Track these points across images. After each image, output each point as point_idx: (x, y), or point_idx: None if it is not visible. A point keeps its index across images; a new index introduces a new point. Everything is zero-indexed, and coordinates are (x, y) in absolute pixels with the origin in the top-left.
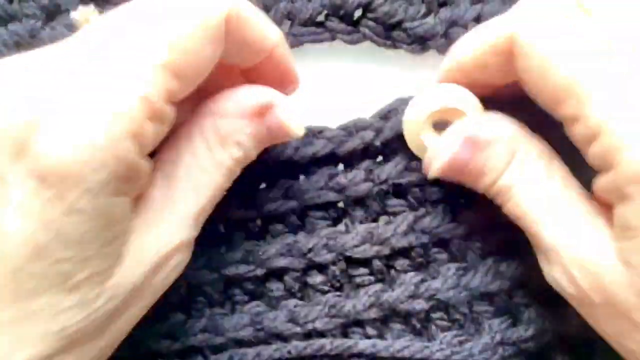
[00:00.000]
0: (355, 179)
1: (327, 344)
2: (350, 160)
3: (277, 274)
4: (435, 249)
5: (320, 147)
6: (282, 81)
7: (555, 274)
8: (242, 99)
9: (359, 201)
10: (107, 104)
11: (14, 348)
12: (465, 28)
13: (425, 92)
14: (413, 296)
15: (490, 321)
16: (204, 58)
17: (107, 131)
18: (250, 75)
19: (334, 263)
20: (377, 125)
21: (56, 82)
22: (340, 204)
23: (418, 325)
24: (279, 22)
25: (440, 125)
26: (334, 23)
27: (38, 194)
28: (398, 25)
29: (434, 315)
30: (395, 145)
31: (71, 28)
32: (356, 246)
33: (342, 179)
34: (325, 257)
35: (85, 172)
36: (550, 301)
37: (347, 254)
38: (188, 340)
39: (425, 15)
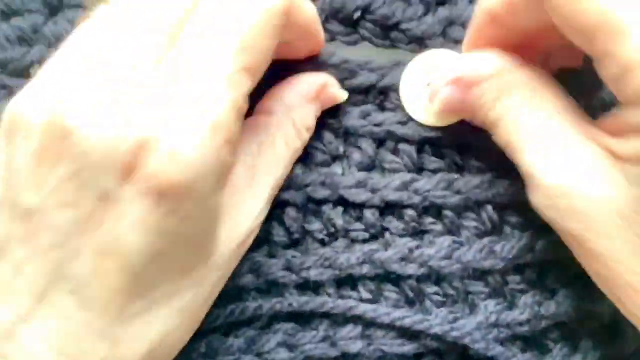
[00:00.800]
0: (351, 114)
1: (329, 302)
2: (352, 99)
3: (278, 214)
4: (429, 219)
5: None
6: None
7: (535, 199)
8: (304, 87)
9: (354, 139)
10: (206, 115)
11: (142, 332)
12: (463, 27)
13: (425, 53)
14: (406, 259)
15: (485, 302)
16: (270, 51)
17: (211, 143)
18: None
19: (328, 201)
20: (384, 70)
21: (153, 98)
22: (340, 148)
23: (411, 294)
24: None
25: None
26: (333, 24)
27: (155, 210)
28: (396, 26)
29: (428, 289)
30: (397, 101)
31: (74, 24)
32: (350, 187)
33: (340, 114)
34: (321, 192)
35: (197, 185)
36: (547, 289)
37: (340, 192)
38: None
39: (423, 15)
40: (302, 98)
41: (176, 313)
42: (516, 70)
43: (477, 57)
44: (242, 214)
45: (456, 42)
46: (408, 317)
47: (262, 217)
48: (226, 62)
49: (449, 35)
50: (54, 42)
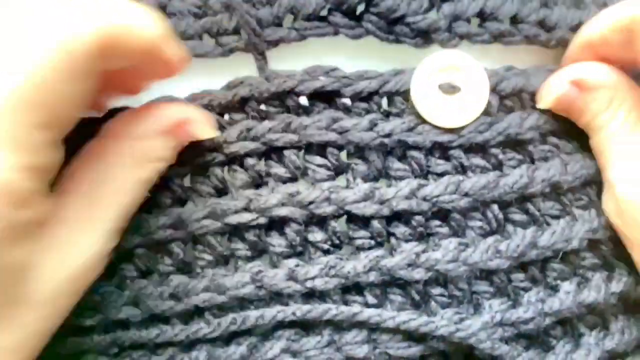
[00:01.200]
0: (359, 126)
1: (333, 309)
2: (355, 110)
3: (279, 226)
4: (436, 222)
5: (326, 83)
6: (167, 69)
7: (607, 206)
8: (153, 119)
9: (361, 152)
10: None
11: None
12: (468, 22)
13: (435, 54)
14: (412, 265)
15: (489, 301)
16: (76, 96)
17: None
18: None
19: (334, 217)
20: (385, 77)
21: None
22: (343, 157)
23: (417, 297)
24: (281, 16)
25: (443, 88)
26: (337, 18)
27: None
28: (401, 19)
29: (434, 291)
30: (402, 106)
31: None
32: (357, 202)
33: (345, 122)
34: (326, 209)
35: None
36: (550, 285)
37: (347, 208)
38: (190, 300)
39: (428, 9)
40: (154, 130)
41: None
42: (628, 89)
43: (599, 66)
44: (75, 249)
45: (462, 38)
46: (413, 320)
47: (103, 251)
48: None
49: (455, 30)
50: None
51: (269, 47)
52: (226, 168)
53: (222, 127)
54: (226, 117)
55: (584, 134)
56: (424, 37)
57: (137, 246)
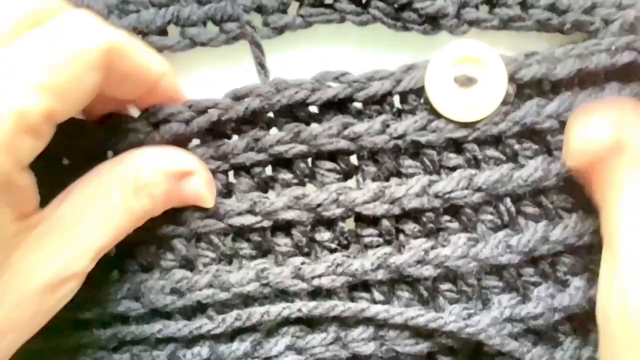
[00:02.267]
0: (371, 130)
1: (340, 305)
2: (367, 112)
3: (285, 227)
4: (446, 217)
5: (338, 90)
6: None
7: (607, 296)
8: (167, 159)
9: (373, 156)
10: None
11: None
12: (476, 8)
13: (448, 45)
14: (422, 262)
15: (499, 296)
16: (83, 84)
17: None
18: (141, 105)
19: (342, 219)
20: (397, 76)
21: None
22: (354, 160)
23: (425, 294)
24: (287, 3)
25: (459, 81)
26: (343, 4)
27: None
28: (408, 5)
29: (442, 287)
30: (415, 102)
31: None
32: (366, 202)
33: (357, 128)
34: (334, 211)
35: None
36: (560, 281)
37: (357, 209)
38: (193, 295)
39: None
40: (159, 170)
41: None
42: None
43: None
44: (55, 258)
45: (470, 24)
46: (421, 317)
47: (80, 268)
48: (27, 71)
49: (463, 16)
50: None
51: (274, 35)
52: (232, 173)
53: (228, 136)
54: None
55: None
56: (432, 23)
57: (138, 241)
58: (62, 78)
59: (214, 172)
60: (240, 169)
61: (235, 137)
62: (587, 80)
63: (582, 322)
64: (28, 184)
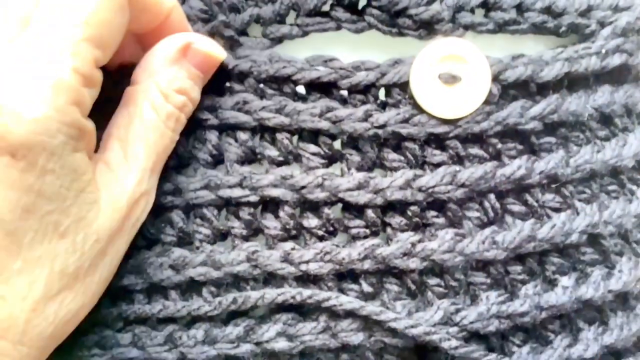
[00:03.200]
0: (353, 116)
1: (333, 299)
2: (352, 101)
3: (272, 208)
4: (432, 212)
5: (323, 74)
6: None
7: None
8: (162, 50)
9: (355, 143)
10: (48, 78)
11: (26, 290)
12: (472, 12)
13: (434, 43)
14: (408, 254)
15: (487, 293)
16: (116, 25)
17: (53, 103)
18: (150, 43)
19: (326, 204)
20: (382, 69)
21: (2, 70)
22: (337, 146)
23: (413, 287)
24: (284, 14)
25: (443, 78)
26: (339, 12)
27: (13, 166)
28: (403, 12)
29: (430, 281)
30: (399, 96)
31: None
32: (350, 190)
33: (340, 112)
34: (318, 195)
35: (46, 140)
36: (549, 279)
37: (340, 195)
38: (187, 272)
39: (431, 1)
40: (164, 60)
41: (58, 275)
42: None
43: None
44: (119, 188)
45: (466, 28)
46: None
47: (143, 186)
48: (69, 34)
49: (459, 20)
50: None
51: (273, 45)
52: (223, 135)
53: (220, 94)
54: (227, 84)
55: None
56: (427, 28)
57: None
58: (100, 25)
59: (204, 127)
60: (227, 130)
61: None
62: (577, 83)
63: (572, 321)
64: (92, 129)
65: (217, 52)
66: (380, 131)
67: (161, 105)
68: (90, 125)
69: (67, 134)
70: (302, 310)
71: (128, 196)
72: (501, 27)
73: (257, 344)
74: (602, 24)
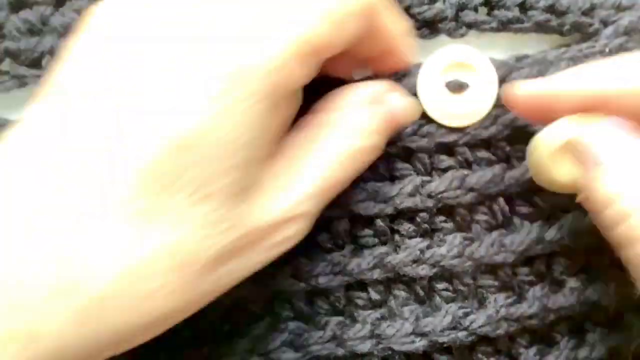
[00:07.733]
0: None
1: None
2: None
3: None
4: (441, 217)
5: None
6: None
7: None
8: (359, 90)
9: None
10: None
11: (141, 236)
12: (475, 11)
13: (439, 52)
14: (417, 261)
15: (494, 295)
16: (352, 28)
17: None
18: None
19: (337, 217)
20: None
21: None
22: None
23: (422, 293)
24: None
25: (450, 87)
26: None
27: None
28: (406, 10)
29: (439, 286)
30: None
31: (81, 14)
32: (360, 202)
33: None
34: (330, 211)
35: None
36: (556, 281)
37: (351, 207)
38: None
39: (434, 0)
40: (358, 101)
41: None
42: None
43: None
44: (281, 195)
45: (469, 27)
46: None
47: (303, 214)
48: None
49: (462, 19)
50: (63, 32)
51: None
52: None
53: None
54: None
55: None
56: (430, 27)
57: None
58: (342, 10)
59: None
60: None
61: None
62: None
63: (579, 323)
64: (296, 109)
65: (412, 104)
66: (390, 148)
67: (344, 140)
68: (297, 103)
69: (300, 78)
70: (309, 319)
71: (284, 207)
72: (504, 26)
73: (264, 354)
74: (605, 23)
